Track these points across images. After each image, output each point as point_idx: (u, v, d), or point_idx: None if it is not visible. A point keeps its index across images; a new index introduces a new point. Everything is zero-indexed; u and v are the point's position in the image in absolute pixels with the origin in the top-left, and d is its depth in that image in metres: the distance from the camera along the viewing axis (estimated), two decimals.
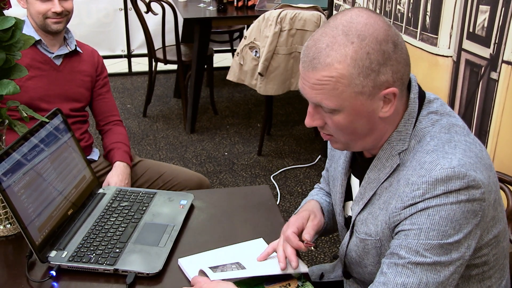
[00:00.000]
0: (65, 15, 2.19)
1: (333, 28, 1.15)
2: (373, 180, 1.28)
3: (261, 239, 1.54)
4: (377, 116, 1.19)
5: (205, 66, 4.59)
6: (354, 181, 1.40)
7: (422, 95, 1.27)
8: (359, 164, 1.38)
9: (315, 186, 1.71)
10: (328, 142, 1.43)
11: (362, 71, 1.13)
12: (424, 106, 1.26)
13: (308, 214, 1.46)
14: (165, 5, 4.24)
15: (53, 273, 1.41)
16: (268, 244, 1.47)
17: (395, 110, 1.21)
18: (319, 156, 4.05)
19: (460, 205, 1.13)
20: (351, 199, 1.42)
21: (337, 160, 1.46)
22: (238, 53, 3.80)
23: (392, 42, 1.15)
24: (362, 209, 1.30)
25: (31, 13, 2.18)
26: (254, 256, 1.45)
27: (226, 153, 4.15)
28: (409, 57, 1.20)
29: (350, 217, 1.42)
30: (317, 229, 1.44)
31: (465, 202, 1.13)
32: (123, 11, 5.76)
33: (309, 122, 1.23)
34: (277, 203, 3.41)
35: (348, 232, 1.37)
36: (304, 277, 1.38)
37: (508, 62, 1.83)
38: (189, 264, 1.44)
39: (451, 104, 2.16)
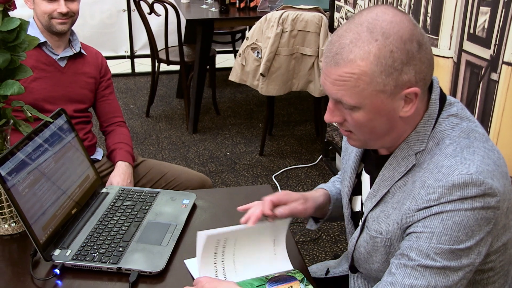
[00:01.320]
0: (71, 16, 2.19)
1: (358, 25, 1.14)
2: (388, 178, 1.27)
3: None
4: (397, 115, 1.18)
5: (208, 66, 4.59)
6: (365, 176, 1.40)
7: (443, 97, 1.25)
8: (371, 161, 1.37)
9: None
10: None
11: (385, 69, 1.11)
12: (445, 109, 1.24)
13: (299, 197, 1.46)
14: (168, 6, 4.25)
15: (57, 271, 1.41)
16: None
17: (416, 110, 1.19)
18: (320, 156, 4.06)
19: (474, 212, 1.12)
20: (359, 193, 1.42)
21: (349, 153, 1.46)
22: (240, 54, 3.80)
23: (417, 42, 1.13)
24: (375, 206, 1.30)
25: (37, 13, 2.19)
26: (266, 243, 1.45)
27: (228, 153, 4.16)
28: (433, 57, 1.18)
29: (358, 211, 1.43)
30: (294, 213, 1.43)
31: (479, 209, 1.12)
32: (126, 12, 5.77)
33: (328, 118, 1.22)
34: None
35: (359, 228, 1.36)
36: (307, 279, 1.38)
37: (508, 63, 1.83)
38: (195, 266, 1.44)
39: None
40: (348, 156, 1.46)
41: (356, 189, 1.43)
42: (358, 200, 1.43)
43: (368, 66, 1.11)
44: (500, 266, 1.27)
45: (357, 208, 1.43)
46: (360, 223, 1.36)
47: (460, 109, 1.25)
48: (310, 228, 1.64)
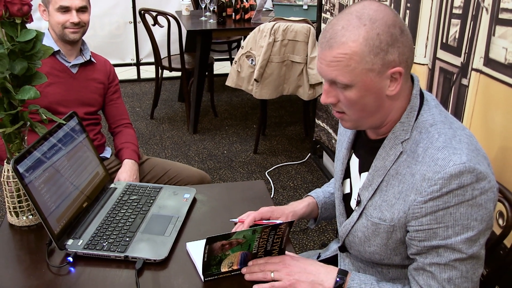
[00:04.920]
0: (82, 26, 2.20)
1: (348, 14, 1.18)
2: (380, 168, 1.29)
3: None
4: (384, 94, 1.21)
5: (206, 73, 4.59)
6: (354, 161, 1.43)
7: (421, 92, 1.30)
8: (363, 145, 1.41)
9: None
10: (339, 124, 1.48)
11: (373, 49, 1.15)
12: (425, 102, 1.28)
13: (280, 214, 1.53)
14: (170, 18, 4.25)
15: (70, 259, 1.42)
16: None
17: (401, 96, 1.24)
18: (309, 154, 4.06)
19: (476, 200, 1.15)
20: (348, 177, 1.45)
21: (342, 143, 1.50)
22: (236, 61, 3.80)
23: (399, 28, 1.17)
24: (373, 195, 1.31)
25: (51, 24, 2.19)
26: None
27: (225, 152, 4.16)
28: (413, 44, 1.22)
29: (347, 193, 1.45)
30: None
31: (479, 196, 1.15)
32: (132, 24, 5.76)
33: (324, 99, 1.23)
34: (271, 196, 3.42)
35: (356, 214, 1.37)
36: None
37: (477, 70, 1.84)
38: (195, 249, 1.45)
39: None
40: (341, 146, 1.50)
41: (345, 173, 1.47)
42: (347, 182, 1.46)
43: (358, 47, 1.14)
44: None
45: (347, 190, 1.46)
46: (357, 209, 1.37)
47: (436, 103, 1.30)
48: (310, 226, 1.72)
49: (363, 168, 1.39)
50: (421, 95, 1.29)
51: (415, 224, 1.21)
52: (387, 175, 1.28)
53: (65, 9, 2.15)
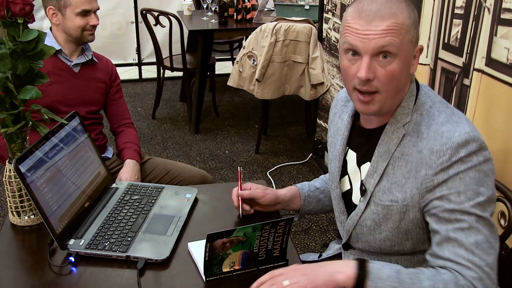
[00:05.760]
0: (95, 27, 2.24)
1: None
2: (384, 153, 1.31)
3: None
4: (409, 71, 1.26)
5: (208, 73, 4.60)
6: (351, 155, 1.44)
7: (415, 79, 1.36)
8: (357, 137, 1.42)
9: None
10: (330, 126, 1.47)
11: (413, 23, 1.23)
12: (420, 87, 1.33)
13: (260, 186, 1.63)
14: (172, 18, 4.25)
15: (72, 259, 1.42)
16: None
17: (406, 83, 1.29)
18: (310, 154, 4.06)
19: (481, 166, 1.20)
20: (345, 174, 1.46)
21: (334, 144, 1.50)
22: (237, 61, 3.80)
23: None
24: (379, 180, 1.33)
25: (67, 27, 2.18)
26: None
27: (227, 152, 4.16)
28: None
29: (347, 190, 1.46)
30: (254, 196, 1.60)
31: (482, 163, 1.20)
32: (134, 24, 5.77)
33: (366, 73, 1.21)
34: None
35: (363, 204, 1.37)
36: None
37: (478, 70, 1.84)
38: (197, 248, 1.45)
39: None
40: (334, 147, 1.50)
41: (342, 171, 1.47)
42: (345, 180, 1.46)
43: (405, 19, 1.21)
44: None
45: (346, 187, 1.46)
46: (362, 199, 1.37)
47: (429, 89, 1.36)
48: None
49: (362, 160, 1.40)
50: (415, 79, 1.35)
51: (430, 196, 1.23)
52: (392, 159, 1.30)
53: (86, 13, 2.17)
